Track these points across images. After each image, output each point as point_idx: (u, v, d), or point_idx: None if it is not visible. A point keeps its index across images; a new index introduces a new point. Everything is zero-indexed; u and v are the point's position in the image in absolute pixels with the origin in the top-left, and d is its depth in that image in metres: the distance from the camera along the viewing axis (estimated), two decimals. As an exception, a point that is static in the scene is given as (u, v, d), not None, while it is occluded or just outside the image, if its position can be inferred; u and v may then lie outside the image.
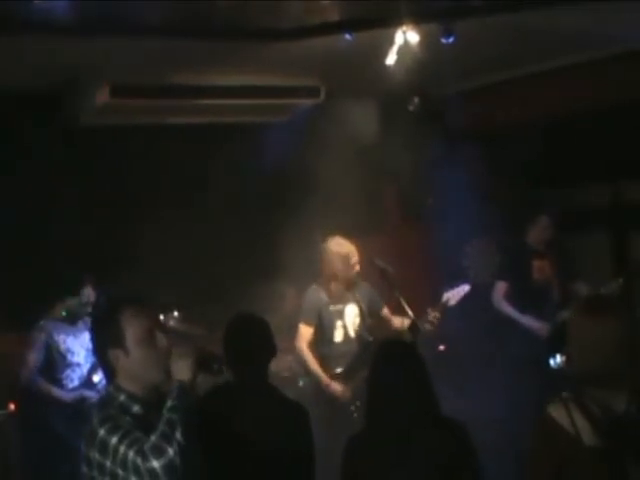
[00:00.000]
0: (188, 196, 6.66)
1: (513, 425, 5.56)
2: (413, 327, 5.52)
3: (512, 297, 6.49)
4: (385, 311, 5.89)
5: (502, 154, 7.03)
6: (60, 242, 6.21)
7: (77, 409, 5.61)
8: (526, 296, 6.42)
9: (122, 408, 2.79)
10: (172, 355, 2.84)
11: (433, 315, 5.57)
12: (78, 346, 5.83)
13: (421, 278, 7.07)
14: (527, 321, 6.36)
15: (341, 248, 5.71)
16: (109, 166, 6.52)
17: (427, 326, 5.55)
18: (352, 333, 5.75)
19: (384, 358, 3.50)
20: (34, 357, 5.75)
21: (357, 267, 5.72)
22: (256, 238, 6.91)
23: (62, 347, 5.80)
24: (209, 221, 6.64)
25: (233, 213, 6.85)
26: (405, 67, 5.34)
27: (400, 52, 5.17)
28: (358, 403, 5.33)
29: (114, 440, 2.66)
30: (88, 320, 5.36)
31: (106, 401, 2.84)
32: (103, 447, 2.67)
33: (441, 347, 7.13)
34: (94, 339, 2.93)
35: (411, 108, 7.41)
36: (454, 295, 5.71)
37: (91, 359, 5.64)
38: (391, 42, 5.14)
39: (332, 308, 5.74)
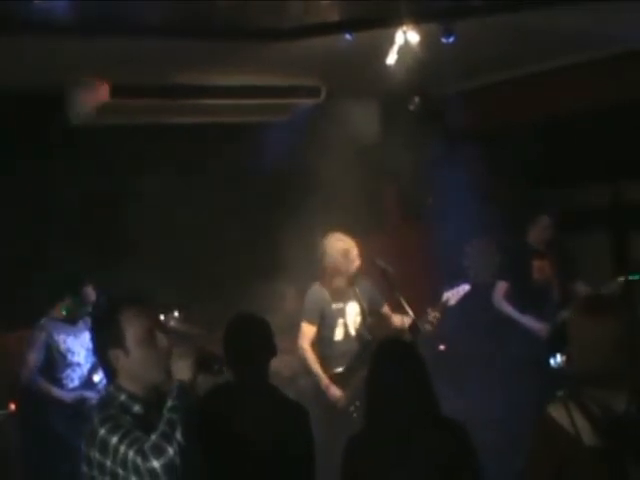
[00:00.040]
0: (188, 196, 6.67)
1: (513, 425, 5.56)
2: (413, 327, 5.52)
3: (512, 297, 6.48)
4: (385, 308, 5.90)
5: (502, 154, 7.03)
6: (60, 242, 6.21)
7: (77, 409, 5.62)
8: (526, 296, 6.41)
9: (122, 408, 2.80)
10: (172, 355, 2.85)
11: (433, 315, 5.58)
12: (78, 346, 5.83)
13: (421, 278, 7.07)
14: (527, 321, 6.35)
15: (341, 243, 5.72)
16: (109, 166, 6.52)
17: (427, 326, 5.55)
18: (353, 332, 5.76)
19: (384, 358, 3.50)
20: (34, 357, 5.74)
21: (357, 261, 5.72)
22: (256, 238, 6.91)
23: (62, 347, 5.80)
24: (209, 221, 6.65)
25: (233, 213, 6.85)
26: (405, 67, 5.33)
27: (400, 52, 5.16)
28: (358, 403, 5.34)
29: (114, 440, 2.67)
30: (88, 320, 5.35)
31: (106, 401, 2.84)
32: (103, 447, 2.68)
33: (441, 347, 7.14)
34: (94, 339, 2.94)
35: (411, 108, 7.42)
36: (454, 295, 5.71)
37: (91, 359, 5.65)
38: (391, 42, 5.13)
39: (334, 306, 5.75)
